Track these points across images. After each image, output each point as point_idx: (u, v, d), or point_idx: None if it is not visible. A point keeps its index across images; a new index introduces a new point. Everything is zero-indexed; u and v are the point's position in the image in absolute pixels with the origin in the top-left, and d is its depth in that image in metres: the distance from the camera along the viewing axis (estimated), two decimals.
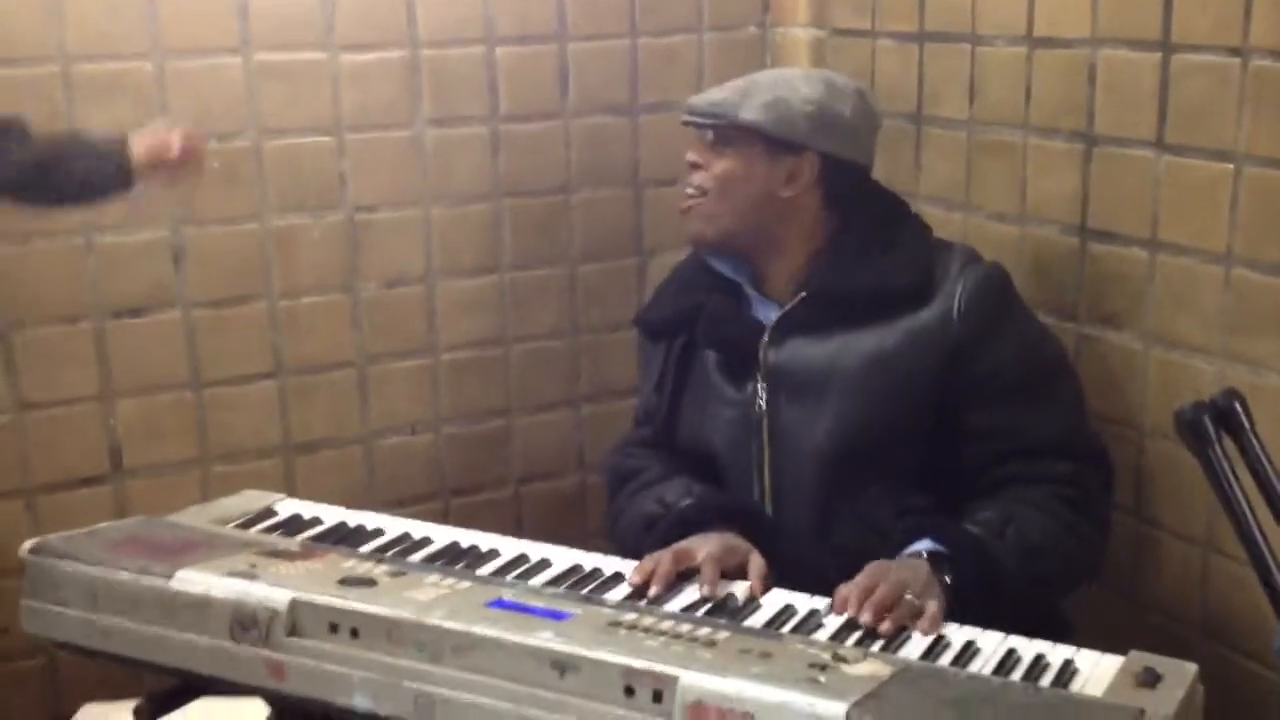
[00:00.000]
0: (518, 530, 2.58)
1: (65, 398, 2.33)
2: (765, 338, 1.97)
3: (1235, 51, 1.85)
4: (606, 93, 2.63)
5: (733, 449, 2.00)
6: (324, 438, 2.52)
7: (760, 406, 1.97)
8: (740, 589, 1.77)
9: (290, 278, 2.45)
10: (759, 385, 1.97)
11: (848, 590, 1.70)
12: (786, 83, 1.98)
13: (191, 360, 2.40)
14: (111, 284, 2.32)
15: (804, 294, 1.96)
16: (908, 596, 1.67)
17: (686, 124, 2.01)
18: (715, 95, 1.98)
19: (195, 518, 1.98)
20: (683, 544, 1.83)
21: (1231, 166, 1.87)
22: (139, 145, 1.97)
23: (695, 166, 2.00)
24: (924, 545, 1.80)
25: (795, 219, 1.98)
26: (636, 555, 1.84)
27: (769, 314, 2.00)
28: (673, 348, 2.07)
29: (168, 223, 2.34)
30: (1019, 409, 1.90)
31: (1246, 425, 1.38)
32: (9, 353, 2.28)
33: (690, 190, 2.00)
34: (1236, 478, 1.35)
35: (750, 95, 1.95)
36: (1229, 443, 1.38)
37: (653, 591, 1.74)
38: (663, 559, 1.78)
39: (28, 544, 1.81)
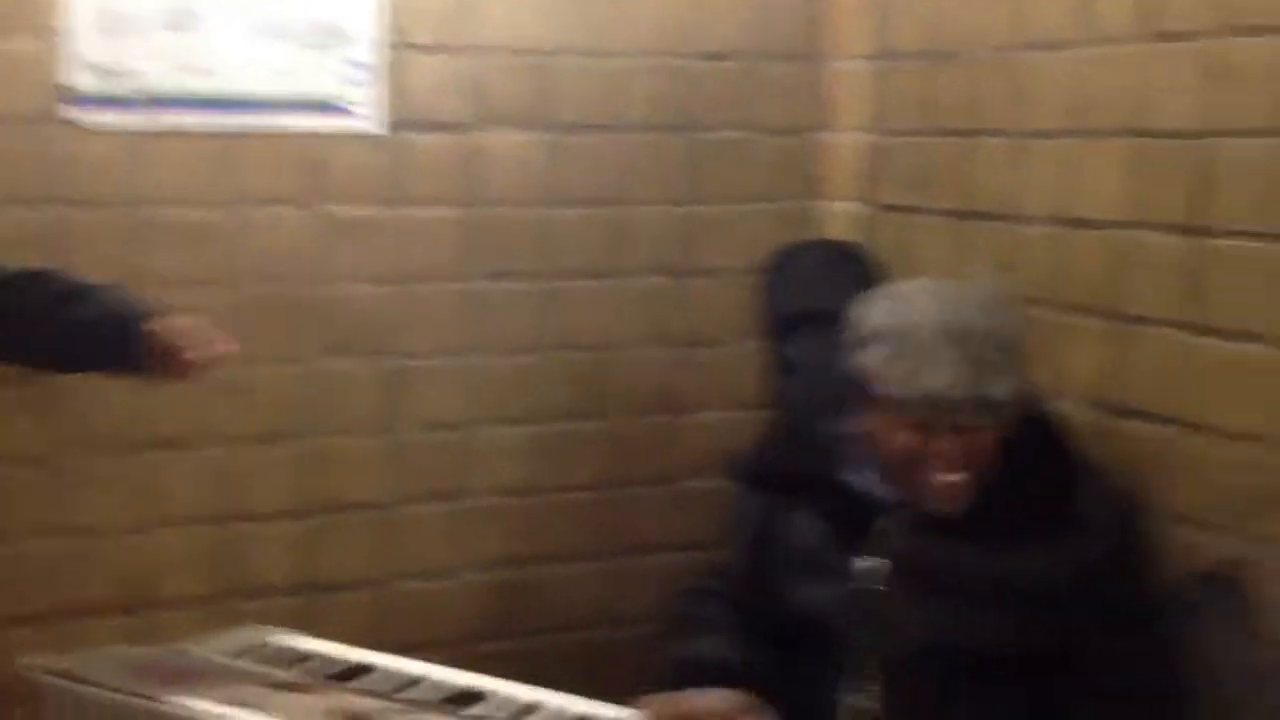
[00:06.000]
0: (538, 683, 2.56)
1: (94, 524, 2.35)
2: (897, 527, 1.94)
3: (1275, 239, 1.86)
4: (658, 256, 2.69)
5: (835, 623, 1.95)
6: (347, 579, 2.53)
7: (878, 587, 1.93)
8: None
9: (330, 419, 2.49)
10: (878, 565, 1.93)
11: None
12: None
13: (222, 494, 2.43)
14: (154, 414, 2.36)
15: None
16: None
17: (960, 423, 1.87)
18: (977, 386, 1.84)
19: (207, 648, 1.98)
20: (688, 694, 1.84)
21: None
22: (157, 337, 1.87)
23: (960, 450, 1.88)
24: None
25: None
26: None
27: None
28: (775, 505, 2.05)
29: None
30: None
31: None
32: (51, 477, 2.31)
33: (955, 479, 1.87)
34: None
35: (993, 375, 1.85)
36: None
37: None
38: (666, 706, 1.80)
39: (33, 662, 1.82)
